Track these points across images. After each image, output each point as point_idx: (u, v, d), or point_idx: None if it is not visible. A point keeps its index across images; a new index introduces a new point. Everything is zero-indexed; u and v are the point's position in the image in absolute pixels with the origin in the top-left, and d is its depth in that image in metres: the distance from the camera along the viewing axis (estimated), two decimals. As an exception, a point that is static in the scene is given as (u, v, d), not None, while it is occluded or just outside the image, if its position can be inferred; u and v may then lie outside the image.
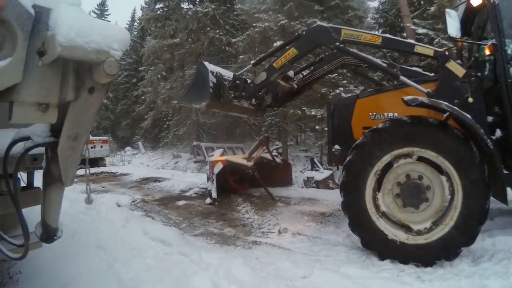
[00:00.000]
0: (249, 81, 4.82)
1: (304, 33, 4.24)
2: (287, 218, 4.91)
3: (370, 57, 4.53)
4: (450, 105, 3.08)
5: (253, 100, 5.19)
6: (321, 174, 9.79)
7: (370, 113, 3.86)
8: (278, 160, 7.39)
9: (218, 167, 6.07)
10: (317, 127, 13.15)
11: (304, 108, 12.12)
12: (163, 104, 19.92)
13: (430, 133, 3.03)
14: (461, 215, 2.95)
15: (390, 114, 3.72)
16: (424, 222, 3.15)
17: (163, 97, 19.49)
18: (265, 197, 6.39)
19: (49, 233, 1.64)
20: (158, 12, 20.71)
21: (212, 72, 4.69)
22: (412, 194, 3.17)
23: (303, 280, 2.73)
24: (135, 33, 32.02)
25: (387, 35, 4.46)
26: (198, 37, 17.91)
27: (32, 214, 1.91)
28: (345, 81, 12.53)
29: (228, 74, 5.05)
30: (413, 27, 11.38)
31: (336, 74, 11.45)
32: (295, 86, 5.07)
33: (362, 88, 13.59)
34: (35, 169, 2.21)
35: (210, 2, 18.15)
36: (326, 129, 4.83)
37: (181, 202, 6.30)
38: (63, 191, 1.61)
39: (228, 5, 18.90)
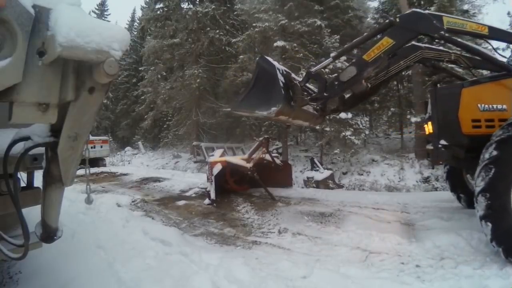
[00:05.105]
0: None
1: (398, 20, 3.77)
2: (287, 218, 4.91)
3: (481, 48, 4.14)
4: None
5: (316, 104, 4.33)
6: (321, 174, 9.81)
7: (479, 104, 3.55)
8: (278, 161, 7.39)
9: (217, 168, 6.07)
10: (317, 127, 13.11)
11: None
12: (163, 104, 19.95)
13: None
14: None
15: (499, 106, 3.51)
16: None
17: (163, 97, 19.51)
18: (265, 197, 6.39)
19: (49, 233, 1.64)
20: (158, 12, 20.70)
21: (279, 69, 3.87)
22: None
23: (303, 280, 2.73)
24: (135, 33, 32.00)
25: (492, 25, 3.96)
26: (198, 37, 17.90)
27: (32, 214, 1.91)
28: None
29: (289, 71, 4.28)
30: (413, 27, 11.34)
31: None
32: (369, 85, 4.44)
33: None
34: (35, 169, 2.20)
35: (210, 2, 18.14)
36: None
37: (181, 202, 6.30)
38: (63, 191, 1.60)
39: (228, 5, 18.90)
